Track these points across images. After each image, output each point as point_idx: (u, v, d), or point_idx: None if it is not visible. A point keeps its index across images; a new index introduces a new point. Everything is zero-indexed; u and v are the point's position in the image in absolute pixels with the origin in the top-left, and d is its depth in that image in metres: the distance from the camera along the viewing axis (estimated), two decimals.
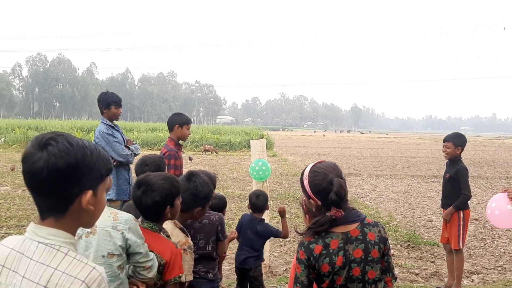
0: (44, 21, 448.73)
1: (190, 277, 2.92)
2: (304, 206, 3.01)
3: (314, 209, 2.35)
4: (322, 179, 2.28)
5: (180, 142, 5.53)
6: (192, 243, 3.01)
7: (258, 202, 4.69)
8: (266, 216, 5.25)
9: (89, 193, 1.42)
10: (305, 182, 2.33)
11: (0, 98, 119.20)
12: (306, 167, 2.41)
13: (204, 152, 27.74)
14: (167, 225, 2.95)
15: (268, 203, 4.89)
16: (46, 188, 1.36)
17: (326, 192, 2.24)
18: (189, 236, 3.04)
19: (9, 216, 9.09)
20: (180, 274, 2.60)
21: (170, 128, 5.48)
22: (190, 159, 22.00)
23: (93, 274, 1.35)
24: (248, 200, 4.80)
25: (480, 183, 16.54)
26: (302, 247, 2.25)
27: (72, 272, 1.33)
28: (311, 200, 2.33)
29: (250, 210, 4.75)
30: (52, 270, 1.34)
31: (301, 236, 2.33)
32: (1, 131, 32.91)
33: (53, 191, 1.36)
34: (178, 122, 5.45)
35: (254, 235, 4.61)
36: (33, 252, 1.38)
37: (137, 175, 3.71)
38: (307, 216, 2.81)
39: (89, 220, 1.50)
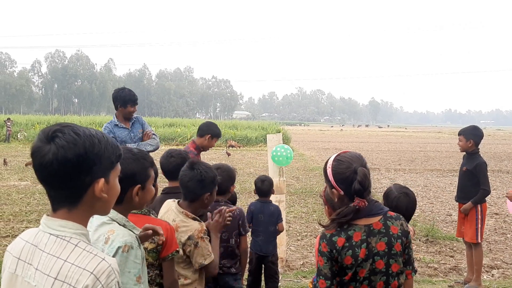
0: (63, 18, 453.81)
1: (210, 259, 2.94)
2: (323, 197, 2.99)
3: (336, 199, 2.32)
4: (346, 168, 2.25)
5: (202, 149, 5.36)
6: (206, 229, 3.01)
7: (264, 186, 4.84)
8: (282, 209, 5.30)
9: (101, 181, 1.41)
10: (329, 171, 2.30)
11: (20, 95, 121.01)
12: (330, 157, 2.38)
13: (228, 148, 27.69)
14: (179, 217, 2.94)
15: (273, 188, 5.01)
16: (58, 180, 1.35)
17: (350, 181, 2.22)
18: (202, 221, 3.04)
19: (29, 210, 9.24)
20: (177, 249, 2.63)
21: (200, 135, 5.30)
22: (228, 154, 22.38)
23: (102, 265, 1.33)
24: (254, 186, 4.96)
25: (501, 177, 16.30)
26: (324, 240, 2.23)
27: (81, 263, 1.32)
28: (333, 189, 2.30)
29: (257, 195, 4.91)
30: (62, 261, 1.33)
31: (317, 230, 2.31)
32: (21, 127, 33.50)
33: (65, 182, 1.36)
34: (212, 133, 5.27)
35: (268, 217, 4.76)
36: (45, 244, 1.38)
37: (161, 166, 3.73)
38: (326, 207, 2.79)
39: (103, 207, 1.49)
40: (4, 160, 17.02)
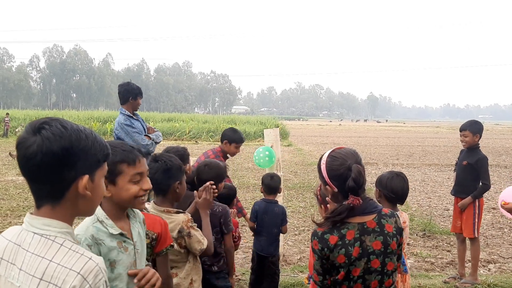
0: (61, 12, 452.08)
1: (205, 241, 3.00)
2: (319, 196, 2.96)
3: (330, 196, 2.28)
4: (340, 165, 2.20)
5: (228, 155, 5.39)
6: (191, 219, 3.02)
7: (272, 183, 4.69)
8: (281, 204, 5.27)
9: (86, 177, 1.37)
10: (323, 167, 2.26)
11: (18, 90, 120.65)
12: (324, 153, 2.33)
13: None
14: (162, 216, 2.93)
15: (280, 186, 4.89)
16: (41, 173, 1.32)
17: (344, 178, 2.18)
18: (186, 212, 3.04)
19: (27, 205, 9.23)
20: (172, 243, 2.63)
21: (221, 141, 5.36)
22: None
23: (89, 265, 1.31)
24: (261, 183, 4.81)
25: (499, 172, 16.31)
26: (316, 237, 2.19)
27: (67, 263, 1.29)
28: (327, 186, 2.26)
29: (263, 192, 4.76)
30: (47, 262, 1.30)
31: (314, 225, 2.28)
32: (19, 122, 33.46)
33: (48, 176, 1.32)
34: (227, 138, 5.27)
35: (272, 218, 4.62)
36: (29, 244, 1.35)
37: None
38: (322, 206, 2.76)
39: (87, 207, 1.45)
40: (10, 153, 17.06)
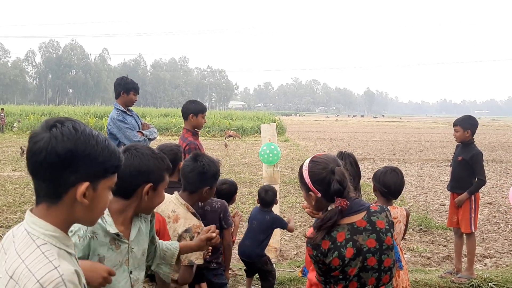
0: (57, 7, 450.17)
1: (201, 261, 2.91)
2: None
3: (313, 203, 2.28)
4: (323, 169, 2.22)
5: (196, 130, 5.19)
6: (203, 227, 2.99)
7: (267, 197, 4.72)
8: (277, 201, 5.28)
9: (85, 184, 1.34)
10: (305, 173, 2.26)
11: (14, 85, 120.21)
12: (305, 161, 2.34)
13: (227, 138, 27.55)
14: (180, 209, 2.92)
15: (277, 198, 4.93)
16: (42, 170, 1.31)
17: (327, 181, 2.18)
18: (200, 220, 3.02)
19: (23, 201, 9.22)
20: (170, 240, 2.61)
21: (185, 117, 5.12)
22: (226, 146, 22.29)
23: (51, 275, 1.23)
24: (257, 196, 4.84)
25: (495, 167, 16.37)
26: (310, 244, 2.21)
27: (33, 268, 1.24)
28: (310, 192, 2.25)
29: (259, 204, 4.80)
30: (20, 261, 1.27)
31: (311, 220, 2.28)
32: (15, 117, 33.33)
33: (48, 175, 1.31)
34: (193, 111, 5.07)
35: (259, 225, 4.64)
36: (18, 238, 1.34)
37: None
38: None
39: (84, 215, 1.41)
40: (21, 148, 16.70)
